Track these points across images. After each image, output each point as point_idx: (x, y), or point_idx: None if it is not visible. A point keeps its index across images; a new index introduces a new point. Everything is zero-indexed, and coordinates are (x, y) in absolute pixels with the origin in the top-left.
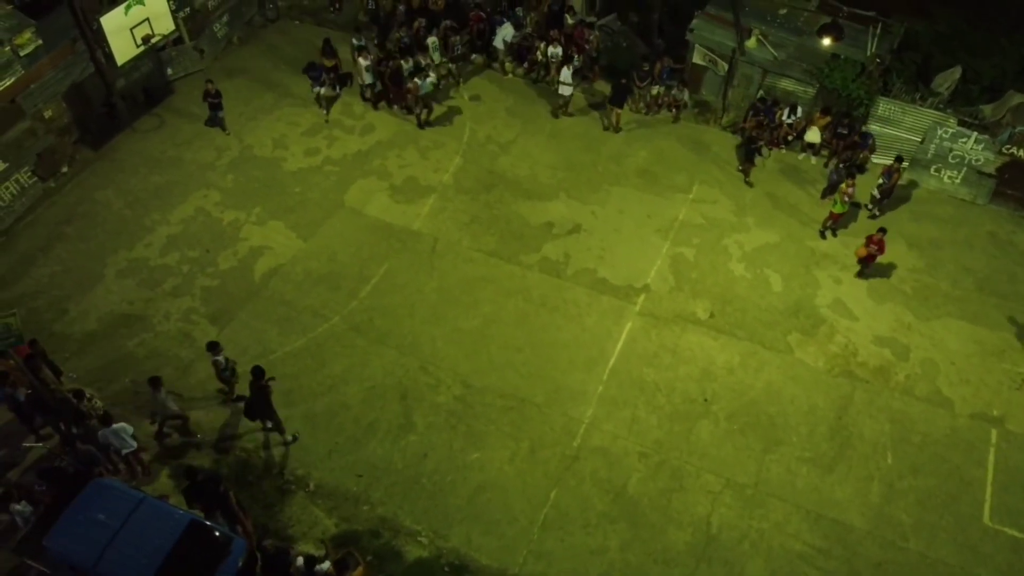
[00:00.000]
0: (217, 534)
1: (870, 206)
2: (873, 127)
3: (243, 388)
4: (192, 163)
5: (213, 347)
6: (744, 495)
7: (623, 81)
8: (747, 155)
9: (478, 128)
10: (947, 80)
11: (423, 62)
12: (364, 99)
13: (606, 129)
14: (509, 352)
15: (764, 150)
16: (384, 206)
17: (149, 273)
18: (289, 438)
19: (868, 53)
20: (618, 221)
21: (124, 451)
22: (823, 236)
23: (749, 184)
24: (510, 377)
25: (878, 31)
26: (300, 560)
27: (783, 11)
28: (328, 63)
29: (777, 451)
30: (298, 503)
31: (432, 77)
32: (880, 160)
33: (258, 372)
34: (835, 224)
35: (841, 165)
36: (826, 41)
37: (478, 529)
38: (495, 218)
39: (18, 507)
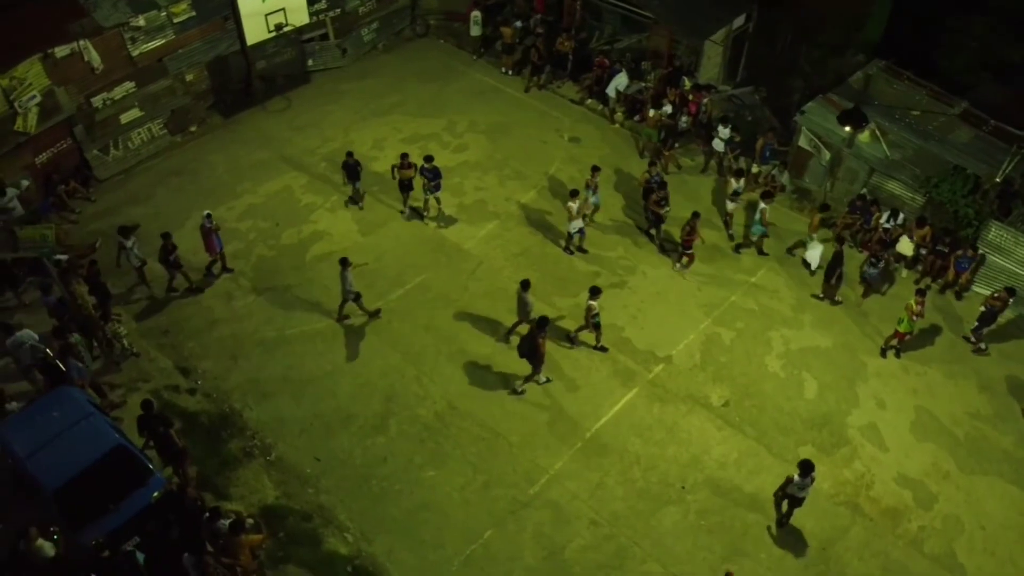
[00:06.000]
0: (138, 464)
1: (971, 335)
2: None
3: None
4: (297, 146)
5: (595, 292)
6: None
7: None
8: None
9: (564, 168)
10: None
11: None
12: (570, 251)
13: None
14: (503, 386)
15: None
16: (446, 221)
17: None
18: (542, 379)
19: (1001, 172)
20: (665, 286)
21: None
22: (883, 355)
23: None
24: (494, 409)
25: (1021, 151)
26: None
27: (916, 112)
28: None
29: (738, 562)
30: (253, 469)
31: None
32: (981, 289)
33: (542, 323)
34: (900, 344)
35: (873, 259)
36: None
37: (404, 545)
38: (545, 256)
39: (9, 407)
